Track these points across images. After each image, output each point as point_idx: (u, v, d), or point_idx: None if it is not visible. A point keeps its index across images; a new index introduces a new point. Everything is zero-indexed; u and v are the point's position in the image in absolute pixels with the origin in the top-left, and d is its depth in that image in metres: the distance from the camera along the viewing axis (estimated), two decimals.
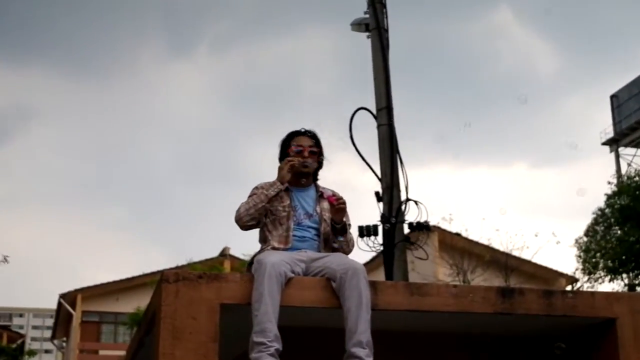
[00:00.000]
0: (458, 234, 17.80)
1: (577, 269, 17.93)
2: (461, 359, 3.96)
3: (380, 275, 7.59)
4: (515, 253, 16.83)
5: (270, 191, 3.49)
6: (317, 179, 3.71)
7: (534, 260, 17.69)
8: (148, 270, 21.57)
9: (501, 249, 16.88)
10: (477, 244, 17.57)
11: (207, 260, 21.69)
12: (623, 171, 25.22)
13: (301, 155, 3.59)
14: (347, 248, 3.59)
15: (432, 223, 7.85)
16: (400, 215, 7.51)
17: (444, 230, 17.67)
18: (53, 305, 25.40)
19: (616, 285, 17.02)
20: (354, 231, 3.78)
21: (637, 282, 16.45)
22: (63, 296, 23.31)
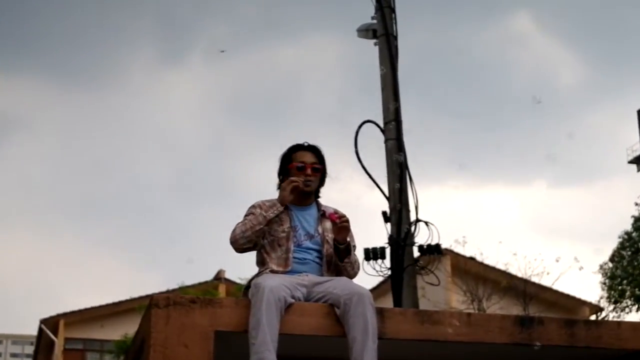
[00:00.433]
0: (472, 258, 17.74)
1: (601, 297, 17.87)
2: None
3: (388, 302, 7.56)
4: (535, 279, 16.77)
5: (269, 213, 3.48)
6: (318, 197, 3.71)
7: (554, 288, 17.62)
8: (136, 295, 21.54)
9: (519, 274, 16.82)
10: (493, 269, 17.51)
11: (200, 284, 21.66)
12: None
13: (304, 173, 3.59)
14: (351, 271, 3.57)
15: (444, 246, 7.83)
16: (409, 237, 7.49)
17: (457, 254, 17.63)
18: (33, 332, 25.36)
19: None
20: (359, 254, 3.77)
21: None
22: (44, 321, 23.26)
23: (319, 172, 3.63)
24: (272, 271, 3.45)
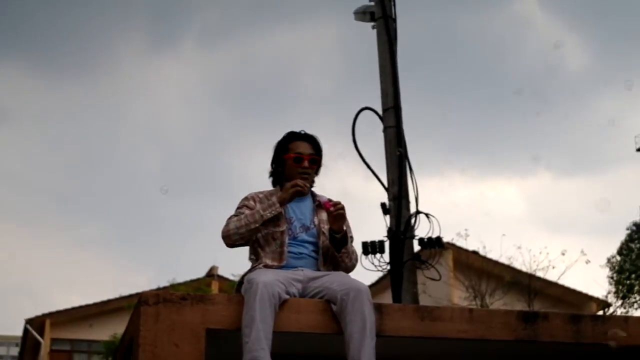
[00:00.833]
0: (475, 252, 17.79)
1: (609, 292, 17.93)
2: None
3: (387, 298, 7.58)
4: (540, 274, 16.82)
5: (266, 212, 3.48)
6: (312, 186, 3.70)
7: (560, 282, 17.67)
8: (126, 293, 21.57)
9: (523, 269, 16.87)
10: (496, 263, 17.55)
11: (192, 281, 21.68)
12: None
13: (300, 165, 3.59)
14: (349, 262, 3.58)
15: (445, 239, 7.84)
16: (409, 230, 7.50)
17: (459, 248, 17.67)
18: (18, 332, 25.35)
19: None
20: (357, 248, 3.77)
21: None
22: (30, 322, 23.26)
23: (316, 163, 3.63)
24: (266, 266, 3.45)
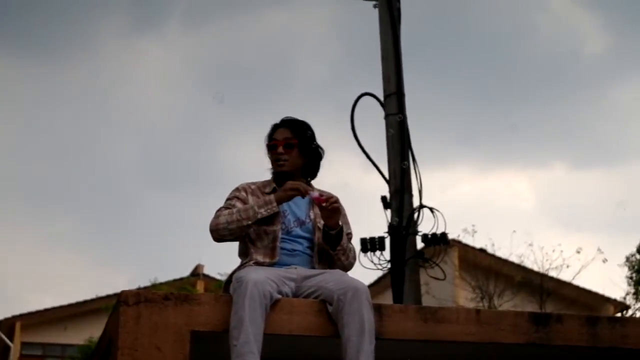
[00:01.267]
0: (482, 250, 17.82)
1: (627, 293, 17.98)
2: None
3: (387, 299, 7.61)
4: (553, 273, 16.87)
5: (262, 210, 3.46)
6: (308, 178, 3.69)
7: (575, 283, 17.73)
8: (103, 293, 21.55)
9: (535, 268, 16.92)
10: (505, 262, 17.59)
11: (175, 280, 21.70)
12: None
13: (275, 152, 3.60)
14: (345, 261, 3.58)
15: (451, 236, 7.87)
16: (412, 225, 7.51)
17: (466, 245, 17.70)
18: None
19: None
20: (355, 245, 3.78)
21: None
22: None
23: (293, 147, 3.60)
24: (257, 263, 3.45)
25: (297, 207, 3.61)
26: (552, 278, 16.99)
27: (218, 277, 19.58)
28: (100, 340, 3.81)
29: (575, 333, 3.58)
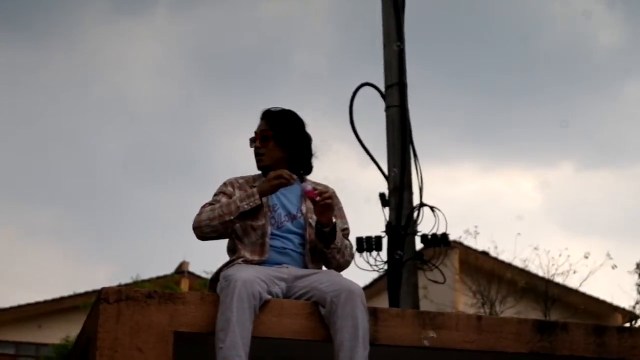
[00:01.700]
0: (485, 253, 17.84)
1: (637, 302, 18.04)
2: None
3: (383, 302, 7.61)
4: (558, 279, 16.90)
5: (243, 204, 3.47)
6: (301, 172, 3.68)
7: (582, 290, 17.78)
8: (81, 290, 21.54)
9: (540, 273, 16.95)
10: (509, 266, 17.61)
11: (159, 278, 21.69)
12: None
13: (255, 146, 3.63)
14: (341, 259, 3.57)
15: (451, 237, 7.87)
16: (411, 224, 7.52)
17: (467, 247, 17.73)
18: None
19: None
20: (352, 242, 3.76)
21: None
22: None
23: (268, 140, 3.60)
24: (245, 261, 3.45)
25: (288, 201, 3.61)
26: (557, 284, 17.01)
27: (204, 275, 19.58)
28: (78, 339, 3.81)
29: (581, 343, 3.59)
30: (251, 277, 3.22)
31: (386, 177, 7.73)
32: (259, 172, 3.69)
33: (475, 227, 16.67)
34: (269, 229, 3.52)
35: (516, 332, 3.54)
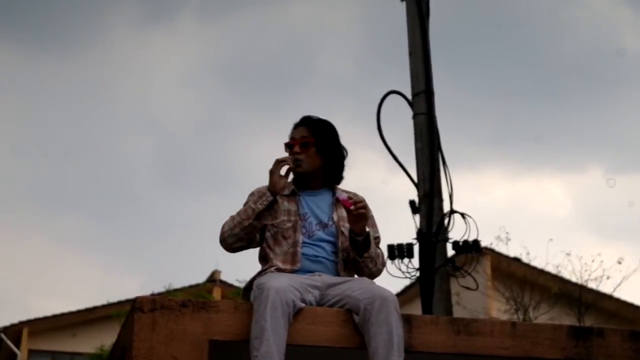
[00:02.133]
0: (517, 259, 17.71)
1: None
2: None
3: (415, 309, 7.59)
4: (592, 285, 16.72)
5: (257, 204, 3.47)
6: (334, 180, 3.68)
7: (615, 295, 17.58)
8: (114, 299, 21.69)
9: (573, 279, 16.79)
10: (541, 272, 17.46)
11: (191, 287, 21.78)
12: None
13: (292, 152, 3.60)
14: (373, 267, 3.56)
15: (483, 243, 7.83)
16: (442, 231, 7.49)
17: (499, 254, 17.60)
18: None
19: None
20: (383, 251, 3.76)
21: None
22: (4, 330, 23.47)
23: (309, 146, 3.59)
24: (278, 270, 3.46)
25: (319, 209, 3.61)
26: (591, 290, 16.84)
27: (236, 283, 19.65)
28: (114, 349, 3.83)
29: (617, 348, 3.55)
30: (284, 285, 3.22)
31: (415, 185, 7.72)
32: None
33: (507, 233, 16.54)
34: (301, 238, 3.52)
35: (552, 338, 3.50)
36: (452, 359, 3.46)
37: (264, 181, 3.55)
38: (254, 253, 3.64)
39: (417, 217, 7.58)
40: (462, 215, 7.42)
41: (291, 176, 3.64)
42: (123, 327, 3.44)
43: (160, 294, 19.13)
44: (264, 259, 3.58)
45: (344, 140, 3.73)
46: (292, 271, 3.45)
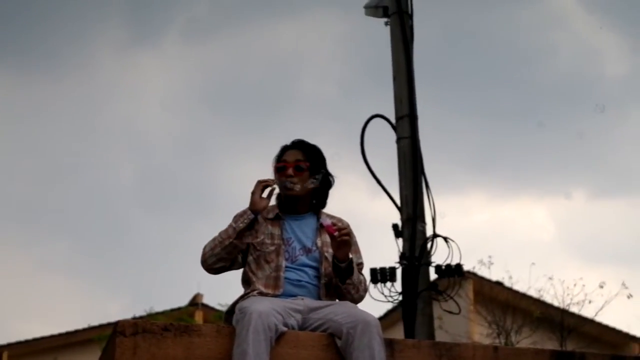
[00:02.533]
0: (499, 283, 17.73)
1: None
2: None
3: (398, 333, 7.56)
4: (574, 309, 16.76)
5: (238, 223, 3.47)
6: (319, 205, 3.69)
7: (597, 320, 17.62)
8: (96, 323, 21.52)
9: (555, 303, 16.81)
10: (523, 296, 17.48)
11: (172, 310, 21.64)
12: None
13: (284, 174, 3.60)
14: (355, 294, 3.56)
15: (466, 267, 7.84)
16: (425, 255, 7.50)
17: (481, 278, 17.62)
18: None
19: None
20: (365, 275, 3.76)
21: None
22: None
23: (304, 171, 3.60)
24: (260, 293, 3.45)
25: (303, 234, 3.60)
26: (573, 314, 16.88)
27: (218, 307, 19.54)
28: None
29: None
30: (267, 309, 3.21)
31: (399, 208, 7.72)
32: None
33: (489, 257, 16.58)
34: (284, 263, 3.51)
35: None
36: None
37: (247, 203, 3.54)
38: (236, 276, 3.63)
39: (400, 240, 7.59)
40: (445, 239, 7.43)
41: (274, 200, 3.65)
42: (104, 351, 3.42)
43: (142, 317, 18.99)
44: (246, 282, 3.57)
45: (329, 164, 3.74)
46: (275, 295, 3.44)
